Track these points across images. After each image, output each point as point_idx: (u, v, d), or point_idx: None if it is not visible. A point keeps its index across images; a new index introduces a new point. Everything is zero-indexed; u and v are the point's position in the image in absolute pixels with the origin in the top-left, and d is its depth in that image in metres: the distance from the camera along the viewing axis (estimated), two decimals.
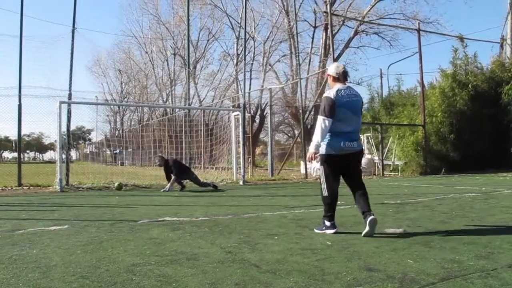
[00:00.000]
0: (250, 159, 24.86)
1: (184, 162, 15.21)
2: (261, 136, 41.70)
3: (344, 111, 4.68)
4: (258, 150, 43.45)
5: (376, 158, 22.14)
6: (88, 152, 55.32)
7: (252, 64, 35.50)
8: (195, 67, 42.01)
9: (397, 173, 21.35)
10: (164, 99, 49.22)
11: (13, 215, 6.68)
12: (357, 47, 32.63)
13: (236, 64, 37.08)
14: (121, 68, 53.83)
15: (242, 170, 14.83)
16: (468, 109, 20.70)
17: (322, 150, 4.77)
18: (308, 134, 30.67)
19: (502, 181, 13.87)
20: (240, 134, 15.02)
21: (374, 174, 20.88)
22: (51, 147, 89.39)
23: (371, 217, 4.59)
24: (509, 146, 22.60)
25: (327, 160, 4.79)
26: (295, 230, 5.12)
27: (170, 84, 46.05)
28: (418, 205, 7.65)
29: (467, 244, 4.16)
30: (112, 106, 60.73)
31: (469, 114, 20.65)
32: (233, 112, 16.40)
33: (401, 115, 23.81)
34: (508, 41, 22.32)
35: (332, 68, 4.95)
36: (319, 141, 4.70)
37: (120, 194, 10.58)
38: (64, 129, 12.31)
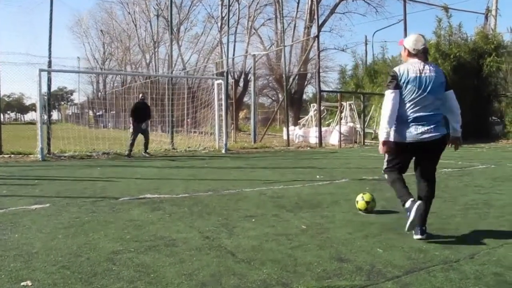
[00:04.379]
0: (233, 125, 24.93)
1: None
2: (245, 99, 41.57)
3: (412, 89, 3.81)
4: (241, 114, 43.45)
5: (358, 126, 22.34)
6: (70, 113, 54.54)
7: (236, 27, 35.10)
8: (178, 29, 41.32)
9: (377, 141, 21.64)
10: (147, 61, 48.55)
11: None
12: (343, 13, 32.38)
13: (221, 27, 36.52)
14: (103, 29, 52.69)
15: (224, 139, 14.92)
16: (450, 80, 20.72)
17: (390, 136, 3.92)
18: (291, 100, 30.75)
19: (478, 153, 14.21)
20: (223, 103, 15.03)
21: (355, 142, 21.14)
22: (32, 108, 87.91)
23: (418, 236, 4.00)
24: (488, 117, 23.04)
25: (394, 148, 3.95)
26: (272, 211, 5.26)
27: (153, 46, 45.31)
28: None
29: (436, 230, 4.34)
30: (94, 67, 59.74)
31: (451, 84, 20.76)
32: (216, 80, 16.31)
33: (384, 84, 23.93)
34: (493, 12, 22.33)
35: (410, 41, 3.97)
36: (387, 125, 3.85)
37: (102, 165, 10.62)
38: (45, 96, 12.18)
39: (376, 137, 22.29)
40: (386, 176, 4.18)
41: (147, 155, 13.29)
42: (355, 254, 3.61)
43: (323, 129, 22.08)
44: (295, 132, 25.16)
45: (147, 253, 3.60)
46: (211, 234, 4.20)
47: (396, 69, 3.96)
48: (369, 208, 5.21)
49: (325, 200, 6.03)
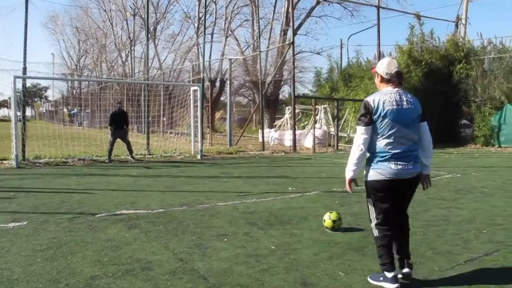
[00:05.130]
0: (209, 128, 25.10)
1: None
2: (221, 98, 41.72)
3: (389, 123, 3.58)
4: (218, 115, 43.53)
5: (332, 129, 22.75)
6: (44, 110, 53.77)
7: (213, 28, 35.16)
8: (155, 29, 41.21)
9: (351, 145, 22.10)
10: (123, 59, 48.22)
11: None
12: (319, 17, 32.84)
13: (198, 28, 36.59)
14: (79, 26, 52.05)
15: (200, 145, 15.12)
16: (421, 86, 21.52)
17: (368, 175, 3.72)
18: (267, 102, 31.05)
19: (447, 160, 14.74)
20: (199, 109, 15.23)
21: (330, 145, 21.56)
22: (4, 104, 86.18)
23: (406, 269, 3.85)
24: (458, 123, 23.77)
25: (375, 188, 3.72)
26: (244, 229, 5.52)
27: (129, 44, 45.03)
28: (363, 194, 8.13)
29: None
30: (69, 64, 59.06)
31: (422, 90, 21.47)
32: (192, 87, 16.48)
33: (358, 88, 24.43)
34: (463, 21, 23.04)
35: (382, 66, 3.74)
36: (355, 164, 3.68)
37: (78, 173, 10.72)
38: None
39: (350, 141, 22.79)
40: (376, 232, 3.81)
41: (133, 160, 13.71)
42: (319, 278, 3.89)
43: (298, 132, 22.47)
44: (271, 134, 25.51)
45: (124, 277, 3.82)
46: (185, 256, 4.43)
47: (370, 100, 3.64)
48: (336, 226, 5.51)
49: (295, 216, 6.31)
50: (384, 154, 3.61)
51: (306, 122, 27.09)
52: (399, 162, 3.59)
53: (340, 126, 23.92)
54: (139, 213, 6.38)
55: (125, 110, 14.01)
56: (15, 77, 11.56)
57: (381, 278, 3.74)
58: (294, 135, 19.52)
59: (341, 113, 24.61)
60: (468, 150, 19.89)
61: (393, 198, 3.71)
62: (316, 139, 20.03)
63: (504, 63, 23.23)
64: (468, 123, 24.90)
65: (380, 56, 21.48)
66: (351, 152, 3.70)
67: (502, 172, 11.64)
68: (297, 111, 27.17)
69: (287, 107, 28.39)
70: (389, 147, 3.60)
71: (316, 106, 23.27)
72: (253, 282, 3.77)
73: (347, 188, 3.78)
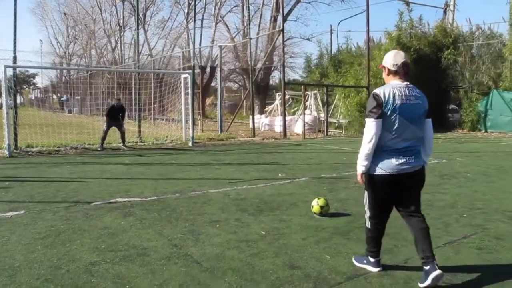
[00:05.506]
0: (200, 114, 25.22)
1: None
2: (212, 83, 41.71)
3: (396, 118, 3.51)
4: (208, 101, 43.61)
5: (322, 115, 23.00)
6: (33, 97, 53.48)
7: (203, 14, 35.11)
8: (144, 14, 40.97)
9: (341, 131, 22.42)
10: (113, 45, 47.95)
11: None
12: (309, 2, 32.92)
13: (187, 13, 36.46)
14: (67, 11, 51.54)
15: (191, 132, 15.30)
16: (410, 72, 21.72)
17: (369, 169, 3.66)
18: (257, 88, 31.14)
19: (434, 146, 14.99)
20: (189, 97, 15.36)
21: (320, 131, 21.82)
22: None
23: (436, 272, 3.46)
24: (445, 108, 24.11)
25: (374, 182, 3.68)
26: (235, 215, 5.74)
27: (119, 30, 44.78)
28: (350, 180, 8.42)
29: None
30: (57, 50, 58.56)
31: (411, 76, 21.60)
32: (182, 74, 16.55)
33: (348, 74, 24.64)
34: (451, 7, 23.25)
35: (389, 58, 3.71)
36: (366, 158, 3.59)
37: (71, 162, 10.87)
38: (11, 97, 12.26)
39: (339, 127, 23.07)
40: (368, 224, 3.86)
41: (125, 147, 13.99)
42: (306, 261, 4.12)
43: (288, 117, 22.70)
44: (261, 120, 25.73)
45: (121, 263, 4.02)
46: (179, 242, 4.64)
47: (379, 92, 3.55)
48: (323, 211, 5.74)
49: (284, 202, 6.54)
50: (386, 149, 3.57)
51: (296, 108, 27.32)
52: (400, 157, 3.56)
53: (330, 112, 24.19)
54: (133, 201, 6.57)
55: (123, 105, 14.47)
56: (6, 67, 11.61)
57: (365, 261, 3.94)
58: (284, 121, 19.73)
59: (331, 98, 24.85)
60: (456, 135, 20.26)
61: (391, 193, 3.68)
62: (306, 125, 20.28)
63: (492, 49, 23.57)
64: (457, 108, 25.28)
65: (369, 45, 21.63)
66: (361, 145, 3.60)
67: (485, 157, 11.97)
68: (287, 97, 27.39)
69: (277, 93, 28.58)
70: (393, 141, 3.55)
71: (306, 92, 23.48)
72: (244, 265, 3.99)
73: (359, 181, 3.71)
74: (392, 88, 3.55)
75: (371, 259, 3.90)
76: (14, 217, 5.60)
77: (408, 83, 3.64)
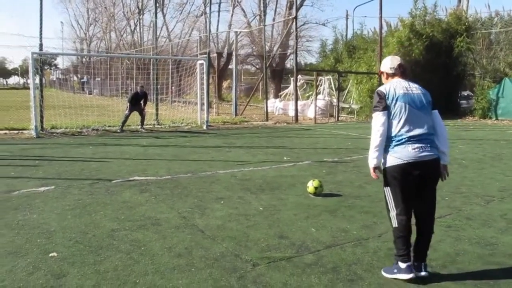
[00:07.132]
0: (215, 97, 25.93)
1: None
2: (229, 67, 42.28)
3: (402, 105, 3.59)
4: (225, 84, 44.24)
5: (335, 100, 23.51)
6: (54, 78, 54.76)
7: None
8: None
9: (353, 116, 22.95)
10: (132, 28, 48.75)
11: (2, 172, 7.75)
12: None
13: None
14: None
15: (206, 116, 16.04)
16: (423, 59, 22.10)
17: (385, 162, 3.66)
18: (273, 72, 31.66)
19: None
20: (205, 83, 16.06)
21: (331, 116, 22.36)
22: (15, 72, 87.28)
23: (423, 273, 3.68)
24: (457, 95, 24.38)
25: (393, 174, 3.64)
26: (238, 194, 6.47)
27: (138, 13, 45.51)
28: (350, 164, 9.10)
29: (364, 213, 5.59)
30: (78, 32, 59.64)
31: (423, 63, 22.07)
32: (198, 61, 17.25)
33: (361, 60, 25.02)
34: None
35: (385, 64, 3.88)
36: (376, 151, 3.62)
37: (93, 143, 11.72)
38: (37, 81, 13.14)
39: (351, 112, 23.57)
40: (395, 223, 3.71)
41: (143, 130, 14.93)
42: (294, 232, 4.84)
43: (302, 102, 23.32)
44: (276, 104, 26.34)
45: (138, 230, 4.79)
46: (187, 215, 5.40)
47: (381, 88, 3.73)
48: (317, 192, 6.43)
49: (285, 183, 7.25)
50: (400, 138, 3.58)
51: (310, 93, 27.80)
52: (416, 145, 3.53)
53: (344, 97, 24.69)
54: (149, 179, 7.35)
55: (146, 92, 15.46)
56: (33, 53, 12.43)
57: (395, 270, 3.71)
58: (296, 106, 20.32)
59: (344, 84, 25.32)
60: (465, 123, 20.63)
61: (413, 185, 3.60)
62: (318, 109, 20.85)
63: (510, 35, 23.53)
64: (472, 94, 25.36)
65: (381, 32, 21.98)
66: (371, 139, 3.66)
67: (486, 145, 12.45)
68: (302, 81, 27.92)
69: (292, 78, 29.10)
70: (405, 129, 3.57)
71: (320, 77, 23.99)
72: (240, 235, 4.73)
73: (372, 175, 3.71)
74: (393, 83, 3.73)
75: (402, 265, 3.66)
76: (46, 191, 6.42)
77: (407, 79, 3.81)
